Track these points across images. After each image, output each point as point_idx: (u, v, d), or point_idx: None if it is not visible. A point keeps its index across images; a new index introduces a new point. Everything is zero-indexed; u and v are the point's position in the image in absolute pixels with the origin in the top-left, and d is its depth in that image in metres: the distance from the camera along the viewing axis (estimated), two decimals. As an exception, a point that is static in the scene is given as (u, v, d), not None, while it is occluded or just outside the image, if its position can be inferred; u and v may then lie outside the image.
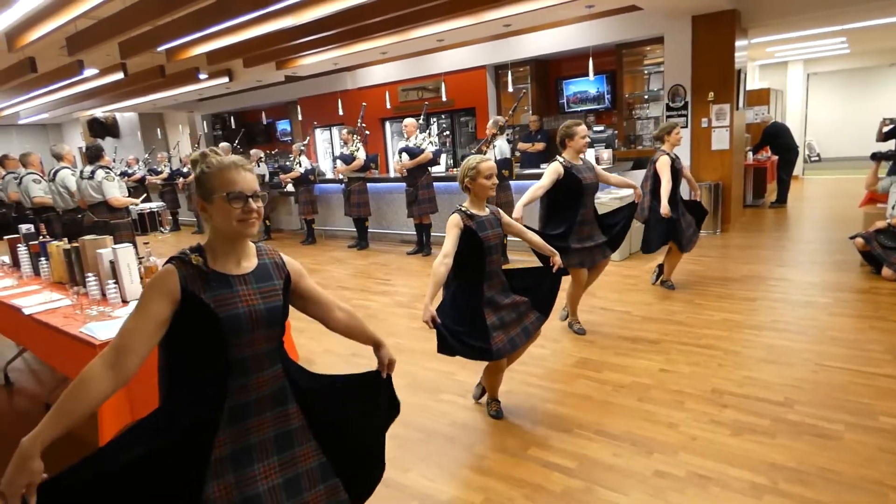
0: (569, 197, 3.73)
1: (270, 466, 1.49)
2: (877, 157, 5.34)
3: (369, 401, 1.78)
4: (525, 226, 3.02)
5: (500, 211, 2.78)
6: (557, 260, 2.83)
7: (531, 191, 3.65)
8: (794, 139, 9.20)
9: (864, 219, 5.54)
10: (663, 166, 4.49)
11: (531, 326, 2.78)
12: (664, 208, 4.39)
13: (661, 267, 5.02)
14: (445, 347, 2.59)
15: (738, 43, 6.96)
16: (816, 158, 15.08)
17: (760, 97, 10.41)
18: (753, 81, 11.92)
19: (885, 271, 4.71)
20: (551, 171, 3.69)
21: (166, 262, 1.45)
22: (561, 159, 3.76)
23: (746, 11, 6.98)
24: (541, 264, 3.06)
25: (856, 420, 2.66)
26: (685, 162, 5.06)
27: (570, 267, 3.70)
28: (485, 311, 2.62)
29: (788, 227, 7.46)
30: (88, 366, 1.33)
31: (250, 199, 1.44)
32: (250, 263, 1.52)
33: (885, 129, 6.82)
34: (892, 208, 4.85)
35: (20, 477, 1.21)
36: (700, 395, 3.02)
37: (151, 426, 1.41)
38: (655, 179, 4.57)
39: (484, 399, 3.08)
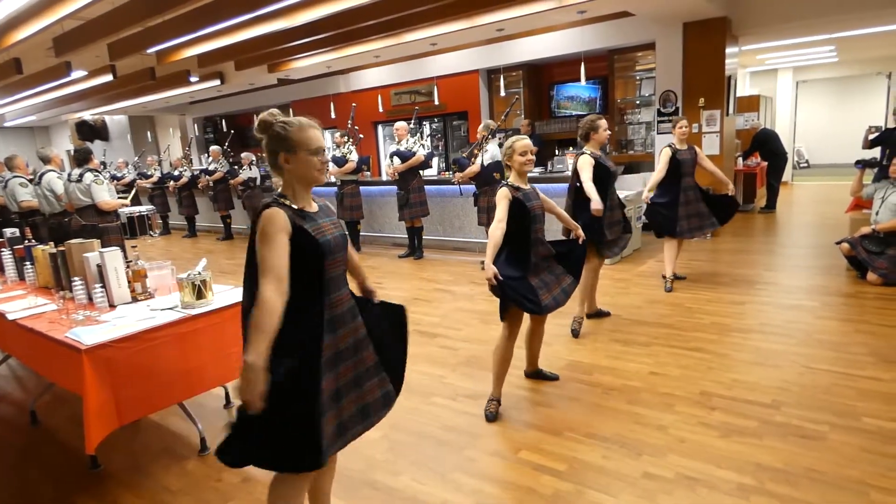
0: (598, 185, 3.90)
1: (348, 367, 1.87)
2: (861, 164, 5.41)
3: (395, 322, 2.15)
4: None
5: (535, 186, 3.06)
6: (580, 233, 3.18)
7: (587, 187, 3.86)
8: (783, 146, 9.30)
9: (850, 224, 5.61)
10: (583, 166, 3.96)
11: (568, 288, 3.06)
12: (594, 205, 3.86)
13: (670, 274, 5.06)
14: (506, 296, 2.81)
15: (728, 50, 7.03)
16: (805, 165, 15.25)
17: (751, 104, 10.52)
18: (744, 88, 12.05)
19: (870, 276, 4.77)
20: (587, 165, 3.92)
21: (264, 207, 1.72)
22: (588, 151, 4.01)
23: (737, 19, 7.06)
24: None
25: (840, 421, 2.69)
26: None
27: (607, 255, 4.26)
28: (528, 275, 2.87)
29: (777, 232, 7.53)
30: (264, 296, 1.58)
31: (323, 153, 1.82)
32: (315, 205, 1.89)
33: (871, 136, 6.92)
34: (877, 214, 4.91)
35: (258, 385, 1.55)
36: (689, 397, 3.04)
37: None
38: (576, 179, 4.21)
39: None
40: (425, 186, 7.09)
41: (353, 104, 8.57)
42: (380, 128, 11.13)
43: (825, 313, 4.21)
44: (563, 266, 3.09)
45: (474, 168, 5.97)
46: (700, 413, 2.87)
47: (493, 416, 2.96)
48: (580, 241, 3.15)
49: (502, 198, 2.84)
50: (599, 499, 2.27)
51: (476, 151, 6.02)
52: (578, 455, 2.58)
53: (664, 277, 5.05)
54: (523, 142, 2.92)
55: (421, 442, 2.81)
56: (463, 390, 3.33)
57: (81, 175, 5.21)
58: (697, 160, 4.90)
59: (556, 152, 8.67)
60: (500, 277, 2.71)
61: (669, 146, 4.85)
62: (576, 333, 4.07)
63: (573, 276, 3.11)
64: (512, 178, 2.94)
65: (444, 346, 4.06)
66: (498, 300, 2.91)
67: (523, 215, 2.86)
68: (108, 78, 7.06)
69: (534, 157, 2.93)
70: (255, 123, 1.84)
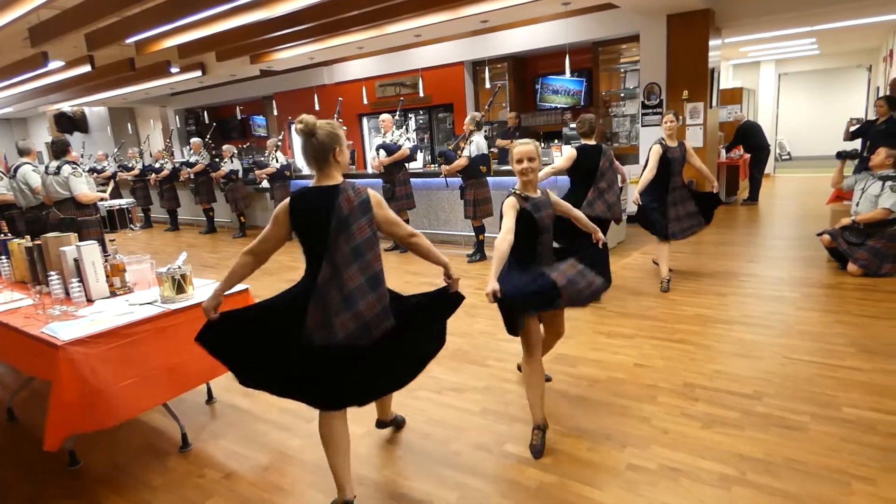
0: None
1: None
2: (842, 156, 5.47)
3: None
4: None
5: (549, 191, 2.82)
6: (600, 236, 2.95)
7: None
8: (766, 138, 9.39)
9: (831, 216, 5.69)
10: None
11: (597, 289, 2.79)
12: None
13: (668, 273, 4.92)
14: (514, 306, 2.54)
15: (711, 42, 7.07)
16: (787, 157, 15.43)
17: (733, 96, 10.61)
18: (727, 81, 12.14)
19: (851, 267, 4.84)
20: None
21: (362, 191, 2.17)
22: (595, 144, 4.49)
23: (720, 11, 7.10)
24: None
25: (821, 411, 2.73)
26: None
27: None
28: (544, 270, 2.67)
29: (759, 224, 7.61)
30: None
31: None
32: None
33: (852, 128, 7.02)
34: (857, 206, 4.97)
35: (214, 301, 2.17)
36: (672, 389, 3.06)
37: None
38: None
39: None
40: (411, 179, 7.05)
41: (340, 98, 8.50)
42: (364, 120, 11.04)
43: (806, 304, 4.27)
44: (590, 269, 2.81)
45: (462, 161, 5.94)
46: (683, 404, 2.89)
47: (538, 451, 2.54)
48: (599, 245, 2.92)
49: (509, 208, 2.60)
50: (584, 491, 2.27)
51: (462, 144, 5.99)
52: (563, 447, 2.58)
53: (662, 280, 4.81)
54: (519, 148, 2.64)
55: (406, 436, 2.80)
56: (448, 384, 3.32)
57: (59, 167, 5.10)
58: (687, 157, 4.78)
59: (542, 145, 8.68)
60: (499, 295, 2.37)
61: (660, 143, 4.69)
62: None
63: (603, 278, 2.84)
64: (519, 185, 2.67)
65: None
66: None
67: (529, 227, 2.63)
68: (87, 69, 6.91)
69: (534, 165, 2.61)
70: (298, 128, 2.12)
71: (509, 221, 2.56)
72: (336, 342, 2.10)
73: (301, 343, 2.12)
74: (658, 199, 4.75)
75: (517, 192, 2.65)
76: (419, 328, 2.30)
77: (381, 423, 2.82)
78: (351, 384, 2.15)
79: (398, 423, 2.89)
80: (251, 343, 2.17)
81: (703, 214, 4.91)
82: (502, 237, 2.53)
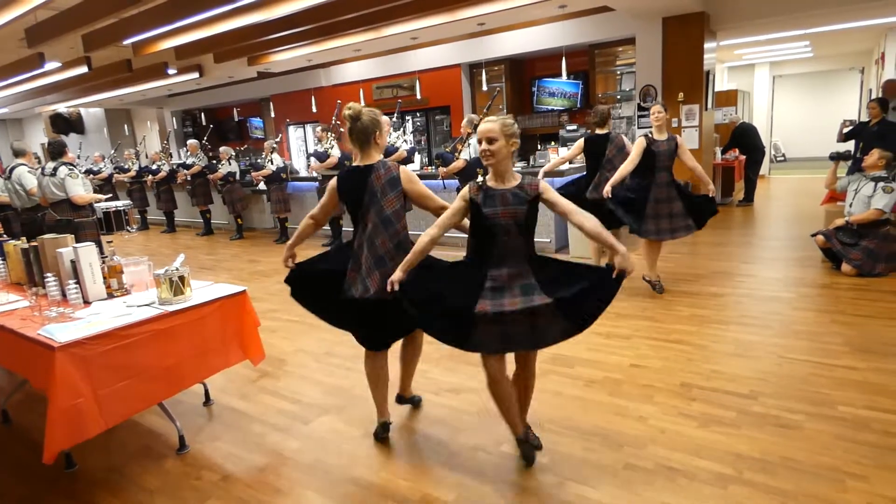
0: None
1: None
2: (835, 157, 5.51)
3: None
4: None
5: (542, 184, 2.28)
6: (619, 261, 2.22)
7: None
8: (761, 139, 9.44)
9: (826, 216, 5.72)
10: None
11: (556, 333, 2.29)
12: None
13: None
14: (411, 314, 2.34)
15: (706, 45, 7.11)
16: (782, 158, 15.50)
17: (728, 98, 10.67)
18: (722, 83, 12.20)
19: (845, 267, 4.87)
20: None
21: (391, 169, 2.53)
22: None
23: (715, 14, 7.14)
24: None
25: (816, 410, 2.74)
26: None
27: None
28: (480, 297, 2.22)
29: (754, 225, 7.65)
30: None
31: None
32: None
33: (845, 130, 7.07)
34: (850, 206, 5.01)
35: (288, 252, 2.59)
36: (669, 388, 3.08)
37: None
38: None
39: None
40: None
41: (339, 101, 8.50)
42: (362, 122, 11.04)
43: (801, 304, 4.29)
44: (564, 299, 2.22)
45: (459, 163, 5.96)
46: (680, 404, 2.90)
47: (529, 459, 2.44)
48: (615, 273, 2.23)
49: (458, 197, 2.32)
50: (581, 490, 2.28)
51: (459, 146, 6.00)
52: (560, 447, 2.59)
53: (647, 280, 4.74)
54: (482, 125, 2.23)
55: (403, 437, 2.81)
56: (445, 384, 3.33)
57: (55, 169, 5.09)
58: (678, 153, 4.51)
59: (539, 147, 8.70)
60: (396, 287, 2.26)
61: (645, 135, 4.49)
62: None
63: (575, 322, 2.29)
64: (491, 172, 2.29)
65: (427, 341, 4.01)
66: None
67: (476, 223, 2.28)
68: (83, 70, 6.90)
69: (494, 147, 2.19)
70: (346, 113, 2.48)
71: (445, 213, 2.35)
72: (369, 297, 2.46)
73: (346, 296, 2.55)
74: (637, 192, 4.51)
75: (479, 178, 2.30)
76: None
77: (400, 398, 3.03)
78: (383, 330, 2.63)
79: (415, 402, 3.07)
80: (318, 288, 2.65)
81: (694, 219, 4.57)
82: (428, 230, 2.33)
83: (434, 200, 2.57)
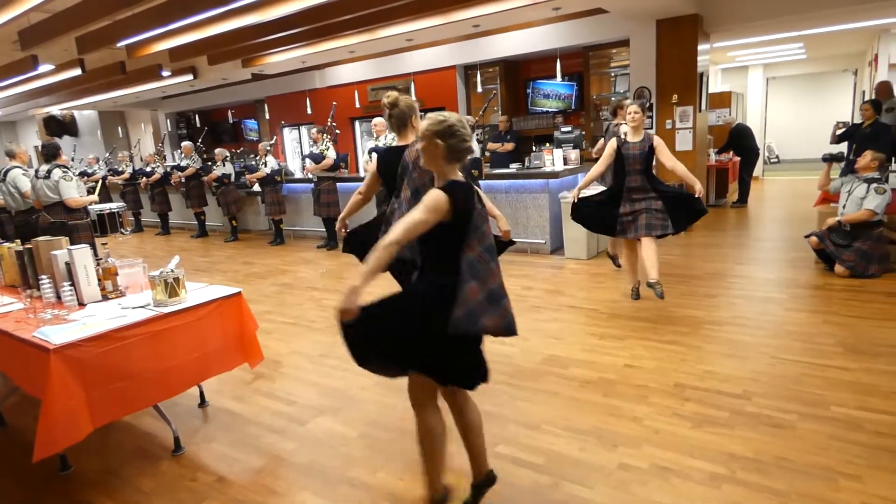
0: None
1: None
2: (828, 158, 5.55)
3: None
4: None
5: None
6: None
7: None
8: (756, 141, 9.50)
9: (819, 218, 5.75)
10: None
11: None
12: None
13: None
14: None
15: (700, 47, 7.14)
16: (775, 160, 15.59)
17: (722, 100, 10.72)
18: (716, 85, 12.27)
19: (838, 268, 4.90)
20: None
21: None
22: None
23: (709, 16, 7.18)
24: None
25: (809, 410, 2.76)
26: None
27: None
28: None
29: (748, 227, 7.69)
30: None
31: None
32: None
33: (839, 131, 7.12)
34: (843, 207, 5.04)
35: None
36: (663, 389, 3.09)
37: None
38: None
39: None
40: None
41: (334, 103, 8.50)
42: (357, 124, 11.05)
43: (794, 305, 4.32)
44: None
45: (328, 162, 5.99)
46: (674, 404, 2.92)
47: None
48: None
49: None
50: (576, 490, 2.29)
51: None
52: (555, 448, 2.60)
53: (633, 288, 4.48)
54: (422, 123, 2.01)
55: (399, 438, 2.81)
56: (441, 386, 3.33)
57: (49, 171, 5.07)
58: (656, 154, 4.12)
59: (534, 148, 8.72)
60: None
61: (617, 136, 4.22)
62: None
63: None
64: None
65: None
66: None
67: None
68: (77, 72, 6.88)
69: (419, 148, 2.02)
70: (385, 101, 2.82)
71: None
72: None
73: None
74: (607, 195, 4.29)
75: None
76: None
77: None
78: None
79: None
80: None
81: (673, 220, 4.14)
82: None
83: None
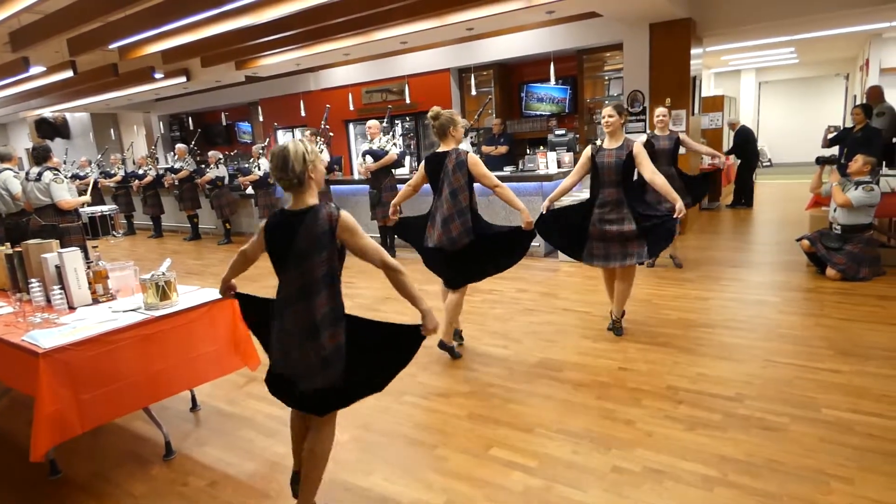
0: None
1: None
2: (820, 161, 5.59)
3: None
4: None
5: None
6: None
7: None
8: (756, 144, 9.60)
9: (810, 221, 5.79)
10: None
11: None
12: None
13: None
14: None
15: (693, 51, 7.18)
16: (768, 164, 15.68)
17: (715, 104, 10.77)
18: (709, 88, 12.34)
19: (829, 271, 4.93)
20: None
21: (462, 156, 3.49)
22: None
23: (701, 20, 7.22)
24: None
25: (800, 413, 2.77)
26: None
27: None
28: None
29: (741, 230, 7.73)
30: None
31: None
32: None
33: (830, 135, 7.18)
34: (834, 211, 5.08)
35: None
36: (656, 392, 3.10)
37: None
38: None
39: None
40: (398, 185, 7.06)
41: (328, 105, 8.49)
42: (351, 126, 11.03)
43: (787, 308, 4.34)
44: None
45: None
46: (666, 407, 2.92)
47: None
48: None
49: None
50: (569, 493, 2.29)
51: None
52: (548, 451, 2.60)
53: (612, 314, 4.01)
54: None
55: (392, 441, 2.80)
56: (434, 389, 3.33)
57: (40, 174, 5.04)
58: (636, 165, 3.61)
59: (528, 151, 8.73)
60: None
61: (593, 143, 3.89)
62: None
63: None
64: None
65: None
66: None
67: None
68: (69, 74, 6.84)
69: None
70: (429, 115, 3.49)
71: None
72: (435, 245, 3.51)
73: (425, 244, 3.61)
74: (578, 210, 3.85)
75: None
76: (488, 247, 3.52)
77: (442, 345, 3.68)
78: (446, 272, 3.63)
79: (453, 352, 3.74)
80: (419, 236, 3.76)
81: (650, 244, 3.67)
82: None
83: (490, 179, 3.46)
